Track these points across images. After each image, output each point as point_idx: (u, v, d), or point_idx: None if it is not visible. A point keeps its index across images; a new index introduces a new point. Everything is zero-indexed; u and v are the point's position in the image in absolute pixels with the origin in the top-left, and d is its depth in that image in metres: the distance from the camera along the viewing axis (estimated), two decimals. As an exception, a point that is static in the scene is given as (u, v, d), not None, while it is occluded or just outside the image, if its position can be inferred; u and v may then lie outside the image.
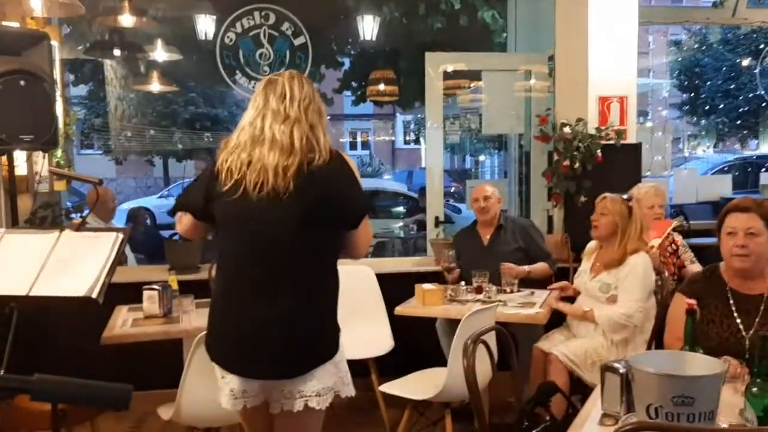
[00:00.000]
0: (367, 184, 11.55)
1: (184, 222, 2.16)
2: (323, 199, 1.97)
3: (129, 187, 18.56)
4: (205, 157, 15.68)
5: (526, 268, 3.81)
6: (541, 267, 3.91)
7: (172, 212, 2.20)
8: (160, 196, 14.95)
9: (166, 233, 4.75)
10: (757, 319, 2.28)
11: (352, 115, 17.13)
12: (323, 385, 1.97)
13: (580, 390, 3.16)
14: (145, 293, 3.18)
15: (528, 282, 3.81)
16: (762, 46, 8.25)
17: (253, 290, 1.98)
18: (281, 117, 1.98)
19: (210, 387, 2.63)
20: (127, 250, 4.57)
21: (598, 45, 4.33)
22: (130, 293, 3.28)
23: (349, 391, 2.05)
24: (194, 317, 3.25)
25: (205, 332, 2.24)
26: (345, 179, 2.03)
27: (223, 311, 2.05)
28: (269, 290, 1.97)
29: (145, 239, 6.83)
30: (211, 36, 4.55)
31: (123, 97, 10.90)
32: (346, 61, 9.76)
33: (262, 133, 1.98)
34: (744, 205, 2.35)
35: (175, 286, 3.38)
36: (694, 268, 3.87)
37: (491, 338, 2.62)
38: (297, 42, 4.45)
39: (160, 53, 5.40)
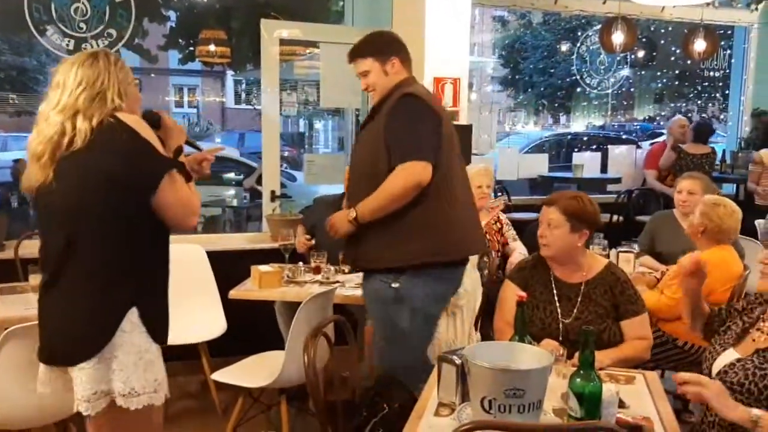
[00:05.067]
0: (196, 147, 10.96)
1: None
2: (86, 186, 1.85)
3: None
4: (9, 111, 14.04)
5: None
6: None
7: None
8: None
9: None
10: (576, 306, 2.47)
11: (178, 70, 16.08)
12: (91, 390, 1.82)
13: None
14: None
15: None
16: (579, 33, 8.92)
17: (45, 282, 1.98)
18: (53, 104, 1.90)
19: (20, 385, 2.38)
20: None
21: (435, 25, 4.38)
22: None
23: (126, 402, 1.84)
24: (-2, 306, 2.93)
25: (13, 327, 2.30)
26: (111, 152, 1.84)
27: None
28: (51, 283, 1.94)
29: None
30: (17, -16, 3.97)
31: None
32: (172, 14, 9.11)
33: (37, 117, 1.94)
34: (551, 199, 2.56)
35: (-26, 271, 3.00)
36: (516, 245, 4.15)
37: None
38: (118, -2, 4.05)
39: (-50, -5, 4.64)
